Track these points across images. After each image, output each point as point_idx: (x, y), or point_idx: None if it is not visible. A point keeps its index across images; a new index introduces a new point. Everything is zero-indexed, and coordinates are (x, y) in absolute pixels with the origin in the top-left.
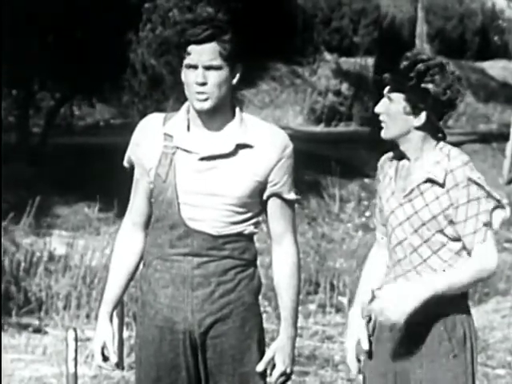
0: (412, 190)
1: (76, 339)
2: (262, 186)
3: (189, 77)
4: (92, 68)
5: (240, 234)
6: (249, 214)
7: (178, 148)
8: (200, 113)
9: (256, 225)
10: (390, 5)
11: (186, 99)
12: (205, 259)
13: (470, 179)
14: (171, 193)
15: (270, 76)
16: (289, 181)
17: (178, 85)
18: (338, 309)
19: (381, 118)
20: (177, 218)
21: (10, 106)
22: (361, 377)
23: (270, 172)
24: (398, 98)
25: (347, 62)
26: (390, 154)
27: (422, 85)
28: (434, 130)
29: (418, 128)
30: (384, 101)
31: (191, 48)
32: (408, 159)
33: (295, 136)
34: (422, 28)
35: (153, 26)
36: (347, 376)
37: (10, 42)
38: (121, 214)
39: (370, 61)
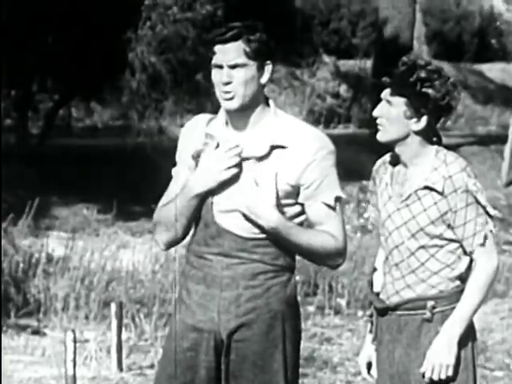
0: (409, 196)
1: (75, 341)
2: (295, 189)
3: (215, 76)
4: (91, 69)
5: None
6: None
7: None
8: (231, 113)
9: None
10: (388, 7)
11: (184, 98)
12: (234, 261)
13: (467, 186)
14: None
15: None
16: (324, 183)
17: (177, 84)
18: (337, 311)
19: (379, 121)
20: (210, 217)
21: (9, 107)
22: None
23: (302, 175)
24: (399, 102)
25: (346, 64)
26: (385, 159)
27: (423, 90)
28: (431, 134)
29: (416, 132)
30: (383, 104)
31: (217, 48)
32: (404, 164)
33: None
34: (419, 30)
35: (152, 24)
36: (346, 378)
37: (10, 42)
38: (119, 215)
39: (369, 63)
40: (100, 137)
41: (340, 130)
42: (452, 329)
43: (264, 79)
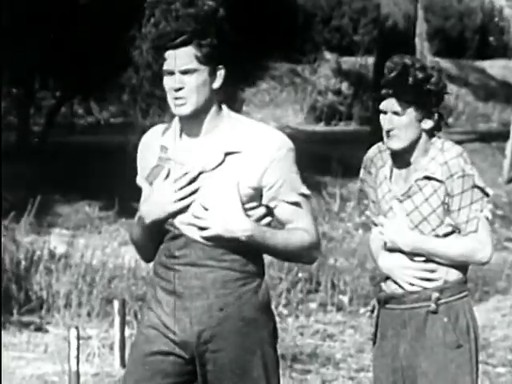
0: (410, 187)
1: (78, 337)
2: (257, 191)
3: (167, 83)
4: (93, 66)
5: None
6: None
7: (171, 160)
8: (184, 120)
9: None
10: (389, 3)
11: None
12: (203, 270)
13: (464, 171)
14: None
15: (269, 75)
16: (287, 182)
17: None
18: (339, 307)
19: (392, 133)
20: (175, 230)
21: (11, 105)
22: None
23: (262, 177)
24: (407, 109)
25: (347, 62)
26: (381, 147)
27: (426, 88)
28: (435, 127)
29: (426, 130)
30: (391, 117)
31: (167, 53)
32: (407, 162)
33: (295, 135)
34: (421, 27)
35: (156, 21)
36: (348, 374)
37: (10, 40)
38: (121, 212)
39: (370, 60)
40: (102, 134)
41: (341, 127)
42: (418, 240)
43: (216, 84)
